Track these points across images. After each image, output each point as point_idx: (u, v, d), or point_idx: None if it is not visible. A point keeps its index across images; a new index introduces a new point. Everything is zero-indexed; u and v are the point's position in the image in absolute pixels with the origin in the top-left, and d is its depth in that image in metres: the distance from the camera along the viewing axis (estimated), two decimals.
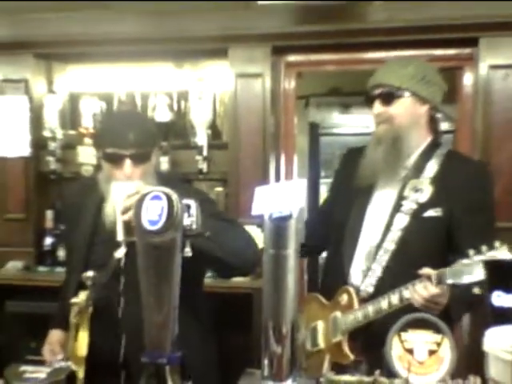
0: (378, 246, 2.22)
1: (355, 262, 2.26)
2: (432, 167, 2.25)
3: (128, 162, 2.12)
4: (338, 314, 2.26)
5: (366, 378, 1.33)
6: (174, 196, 1.73)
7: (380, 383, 1.31)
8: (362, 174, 2.29)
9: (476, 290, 1.89)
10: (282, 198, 1.72)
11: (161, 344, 1.71)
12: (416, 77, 2.24)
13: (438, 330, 1.50)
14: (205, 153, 3.91)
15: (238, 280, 3.66)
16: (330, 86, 5.39)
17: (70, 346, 2.05)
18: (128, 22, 3.92)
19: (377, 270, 2.21)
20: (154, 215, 1.71)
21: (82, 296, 2.06)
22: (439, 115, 2.38)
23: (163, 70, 4.24)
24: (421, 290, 2.00)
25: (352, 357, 2.21)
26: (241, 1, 3.56)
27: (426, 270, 1.99)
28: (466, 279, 1.92)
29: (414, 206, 2.20)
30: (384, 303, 2.10)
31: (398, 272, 2.15)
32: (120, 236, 1.99)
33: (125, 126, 2.21)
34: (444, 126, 2.64)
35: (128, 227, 1.92)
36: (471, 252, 1.92)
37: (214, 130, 4.07)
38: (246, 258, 2.08)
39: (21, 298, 3.75)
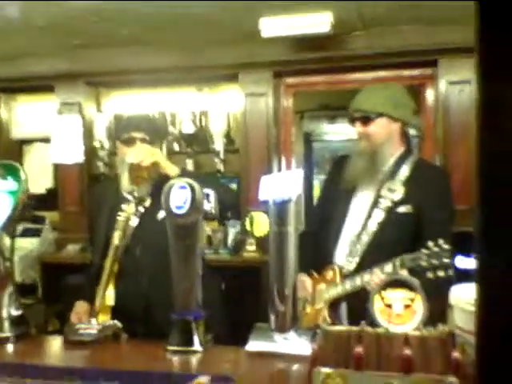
0: (359, 235, 2.18)
1: (340, 246, 2.22)
2: (404, 172, 2.20)
3: (139, 144, 2.09)
4: (323, 286, 2.22)
5: (355, 327, 1.28)
6: (197, 186, 1.70)
7: (366, 331, 1.26)
8: (347, 178, 2.25)
9: (430, 275, 1.86)
10: (283, 185, 1.68)
11: (188, 305, 1.68)
12: (388, 102, 2.19)
13: (411, 288, 1.44)
14: (221, 156, 3.96)
15: (248, 255, 3.68)
16: (320, 103, 5.34)
17: (99, 297, 1.97)
18: (158, 56, 3.89)
19: (356, 254, 2.16)
20: (180, 202, 1.68)
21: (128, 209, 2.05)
22: (410, 128, 2.33)
23: (187, 93, 4.21)
24: (374, 277, 1.98)
25: (329, 321, 2.16)
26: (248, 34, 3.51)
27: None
28: (422, 265, 1.90)
29: (389, 204, 2.16)
30: (358, 280, 2.07)
31: (374, 256, 2.11)
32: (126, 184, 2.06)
33: (138, 119, 2.35)
34: (412, 131, 2.57)
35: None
36: (431, 243, 1.89)
37: (229, 139, 4.09)
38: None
39: (78, 273, 3.72)
